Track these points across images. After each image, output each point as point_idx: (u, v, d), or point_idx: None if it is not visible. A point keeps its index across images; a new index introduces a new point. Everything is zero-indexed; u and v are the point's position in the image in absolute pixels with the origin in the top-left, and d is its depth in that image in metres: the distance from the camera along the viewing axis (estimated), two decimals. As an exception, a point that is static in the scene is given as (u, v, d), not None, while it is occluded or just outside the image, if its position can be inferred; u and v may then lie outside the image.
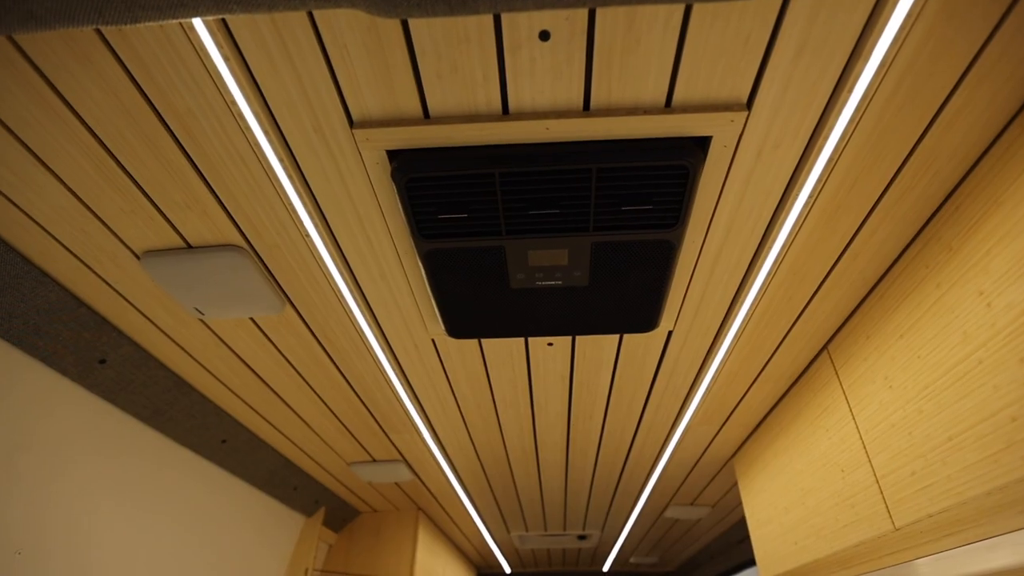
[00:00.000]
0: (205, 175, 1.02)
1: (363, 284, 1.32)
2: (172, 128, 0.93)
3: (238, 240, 1.19)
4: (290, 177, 1.01)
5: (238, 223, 1.14)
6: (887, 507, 1.34)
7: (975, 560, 1.39)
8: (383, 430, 2.13)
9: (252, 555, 2.45)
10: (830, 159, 0.99)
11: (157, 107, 0.90)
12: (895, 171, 1.04)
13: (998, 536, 1.12)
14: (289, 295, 1.37)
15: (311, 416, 2.02)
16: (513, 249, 1.10)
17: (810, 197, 1.07)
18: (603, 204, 1.00)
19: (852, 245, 1.22)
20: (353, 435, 2.18)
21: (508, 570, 5.31)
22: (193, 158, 0.99)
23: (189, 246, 1.22)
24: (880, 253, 1.24)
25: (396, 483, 2.78)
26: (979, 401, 1.04)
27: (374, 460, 2.46)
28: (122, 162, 0.99)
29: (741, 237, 1.18)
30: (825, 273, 1.30)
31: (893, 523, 1.32)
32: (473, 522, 3.52)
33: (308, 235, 1.16)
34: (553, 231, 1.06)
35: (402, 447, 2.30)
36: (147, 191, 1.06)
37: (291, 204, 1.08)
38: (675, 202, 1.00)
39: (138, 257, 1.24)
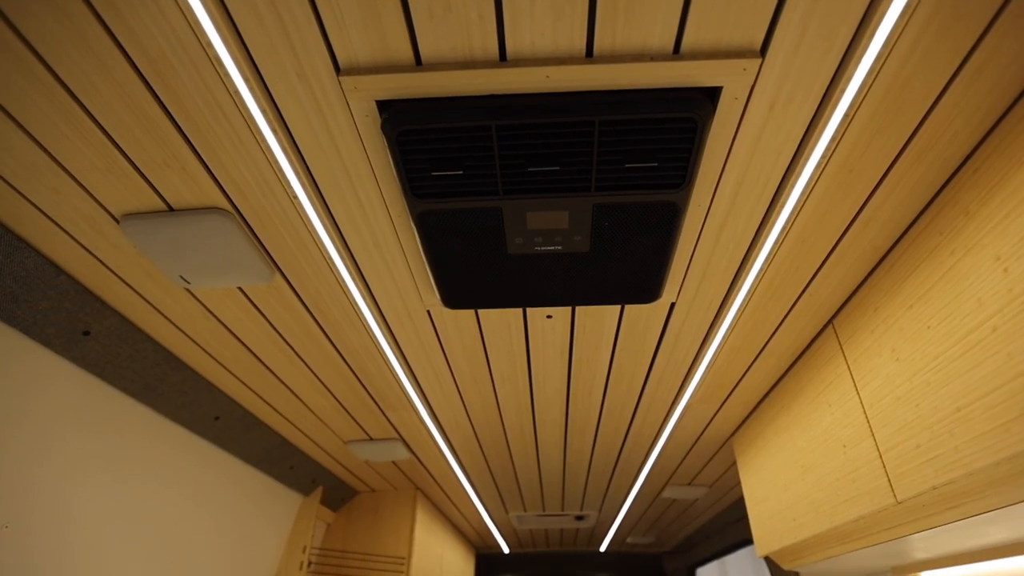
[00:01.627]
0: (183, 128, 0.97)
1: (355, 251, 1.27)
2: (145, 75, 0.87)
3: (222, 202, 1.14)
4: (274, 131, 0.96)
5: (221, 183, 1.09)
6: (889, 481, 1.31)
7: (974, 535, 1.37)
8: (379, 407, 2.09)
9: (251, 532, 2.42)
10: (846, 115, 0.94)
11: (127, 50, 0.84)
12: (913, 130, 0.99)
13: (1002, 508, 1.09)
14: (278, 263, 1.32)
15: (305, 393, 1.98)
16: (511, 210, 1.05)
17: (823, 158, 1.02)
18: (606, 161, 0.95)
19: (864, 211, 1.17)
20: (349, 413, 2.14)
21: (507, 550, 5.33)
22: (169, 109, 0.93)
23: (171, 209, 1.16)
24: (892, 220, 1.19)
25: (393, 462, 2.75)
26: (991, 370, 1.00)
27: (371, 439, 2.43)
28: (93, 113, 0.94)
29: (749, 202, 1.13)
30: (834, 242, 1.26)
31: (895, 496, 1.29)
32: (471, 502, 3.51)
33: (296, 196, 1.11)
34: (553, 191, 1.01)
35: (399, 425, 2.27)
36: (122, 146, 1.00)
37: (276, 162, 1.03)
38: (681, 160, 0.95)
39: (117, 220, 1.19)
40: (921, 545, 1.53)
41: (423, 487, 3.21)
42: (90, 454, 1.60)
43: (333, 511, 3.21)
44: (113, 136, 0.98)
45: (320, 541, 3.10)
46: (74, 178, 1.08)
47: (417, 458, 2.68)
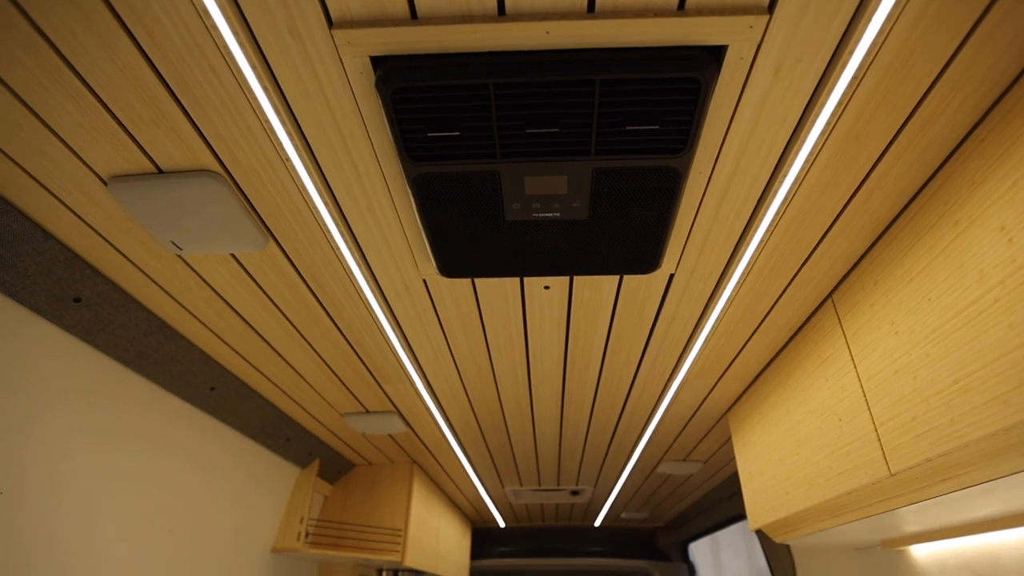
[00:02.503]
0: (171, 85, 0.94)
1: (350, 217, 1.25)
2: (129, 26, 0.84)
3: (213, 164, 1.12)
4: (265, 89, 0.93)
5: (211, 144, 1.06)
6: (884, 453, 1.31)
7: (965, 508, 1.37)
8: (375, 379, 2.08)
9: (249, 502, 2.44)
10: (853, 79, 0.91)
11: (111, 2, 0.80)
12: (922, 94, 0.96)
13: (996, 480, 1.09)
14: (271, 229, 1.30)
15: (301, 365, 1.97)
16: (509, 174, 1.03)
17: (828, 124, 1.00)
18: (606, 123, 0.92)
19: (868, 180, 1.15)
20: (345, 385, 2.14)
21: (503, 524, 5.40)
22: (156, 65, 0.90)
23: (160, 171, 1.14)
24: (896, 190, 1.17)
25: (390, 435, 2.76)
26: (991, 341, 0.99)
27: (367, 411, 2.43)
28: (77, 68, 0.91)
29: (751, 169, 1.11)
30: (837, 212, 1.24)
31: (889, 469, 1.29)
32: (468, 476, 3.53)
33: (288, 159, 1.08)
34: (552, 154, 0.98)
35: (395, 398, 2.27)
36: (108, 104, 0.97)
37: (268, 122, 1.00)
38: (684, 123, 0.93)
39: (105, 183, 1.16)
40: (912, 518, 1.54)
41: (420, 461, 3.23)
42: (83, 422, 1.59)
43: (330, 484, 3.23)
44: (98, 92, 0.95)
45: (317, 513, 3.13)
46: (59, 137, 1.05)
47: (414, 431, 2.69)
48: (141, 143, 1.06)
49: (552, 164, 1.01)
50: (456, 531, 4.41)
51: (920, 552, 1.90)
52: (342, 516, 3.15)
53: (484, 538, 5.51)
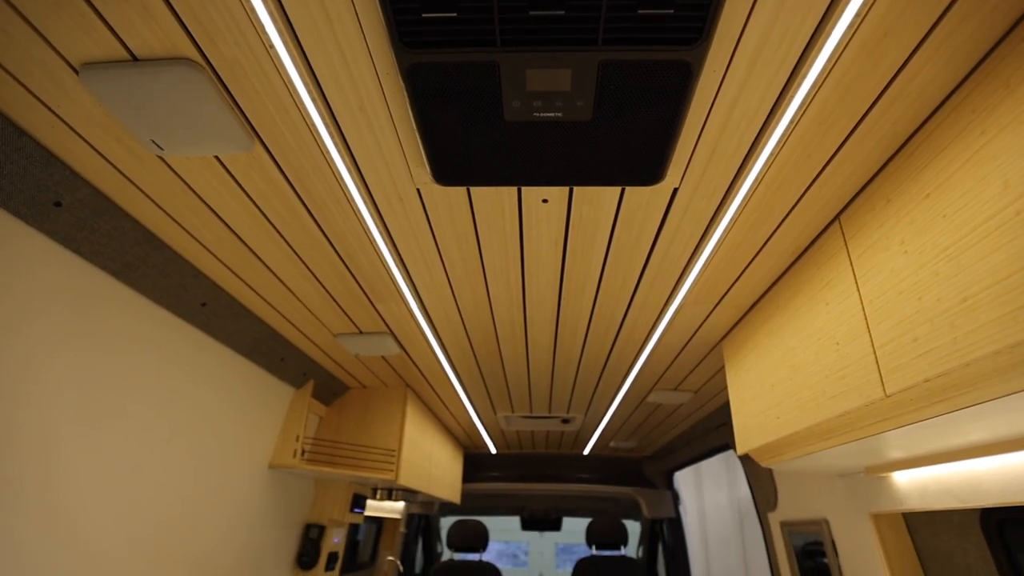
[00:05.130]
0: (139, -52, 0.85)
1: (339, 116, 1.18)
2: None
3: (191, 51, 1.03)
4: (242, -46, 0.84)
5: (187, 26, 0.98)
6: (880, 375, 1.30)
7: (954, 432, 1.39)
8: (368, 298, 2.06)
9: (246, 418, 2.46)
10: None
11: None
12: (961, -17, 0.88)
13: (990, 402, 1.09)
14: (257, 129, 1.23)
15: (293, 281, 1.93)
16: (509, 66, 0.96)
17: (857, 15, 0.92)
18: (616, 6, 0.84)
19: (892, 85, 1.07)
20: (338, 303, 2.11)
21: (494, 451, 5.56)
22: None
23: (134, 58, 1.05)
24: (922, 97, 1.10)
25: (384, 358, 2.77)
26: (1008, 256, 0.95)
27: (360, 332, 2.42)
28: None
29: (768, 69, 1.04)
30: (855, 123, 1.17)
31: (884, 391, 1.29)
32: (460, 401, 3.59)
33: (272, 45, 1.00)
34: (556, 42, 0.91)
35: (388, 318, 2.25)
36: (70, -30, 0.88)
37: (247, 1, 0.91)
38: (701, 6, 0.85)
39: (76, 71, 1.08)
40: (898, 443, 1.56)
41: (413, 385, 3.27)
42: (72, 329, 1.56)
43: (325, 405, 3.28)
44: None
45: (313, 433, 3.19)
46: (23, 16, 0.96)
47: (407, 354, 2.69)
48: (111, 24, 0.97)
49: (556, 55, 0.93)
50: (448, 456, 4.53)
51: (902, 478, 1.95)
52: (337, 437, 3.21)
53: (476, 463, 5.69)
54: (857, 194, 1.40)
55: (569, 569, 5.56)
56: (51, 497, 1.51)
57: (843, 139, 1.21)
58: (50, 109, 1.18)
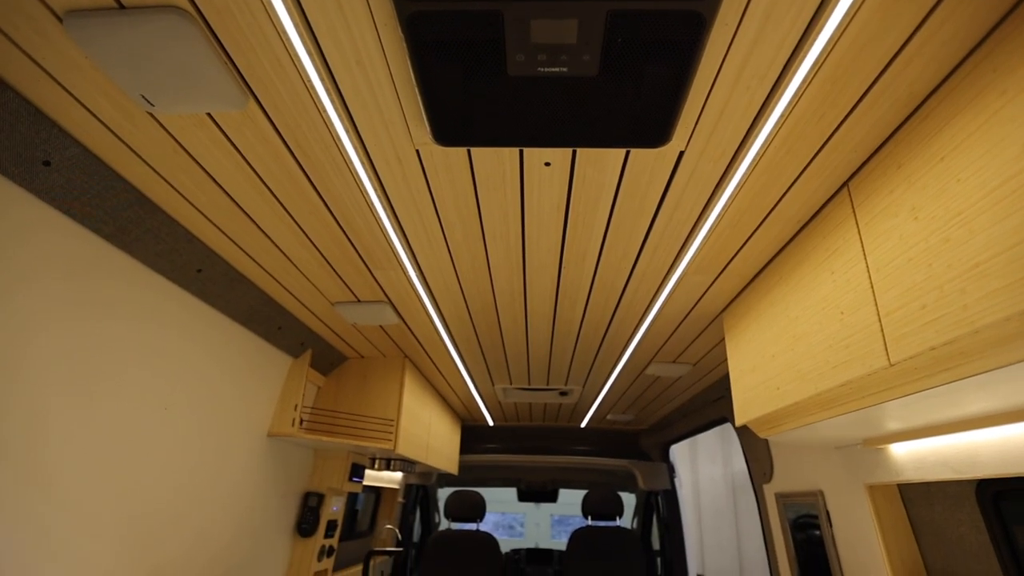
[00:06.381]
0: None
1: (336, 71, 1.13)
2: None
3: (179, -3, 0.99)
4: None
5: (175, -32, 0.93)
6: (885, 344, 1.29)
7: (955, 403, 1.38)
8: (366, 265, 2.03)
9: (243, 385, 2.45)
10: None
11: None
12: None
13: (997, 370, 1.07)
14: (250, 84, 1.18)
15: (290, 247, 1.90)
16: (513, 17, 0.91)
17: (878, -36, 0.88)
18: (628, -53, 0.80)
19: (912, 41, 1.03)
20: (335, 270, 2.09)
21: (491, 423, 5.60)
22: None
23: (121, 6, 1.01)
24: (941, 55, 1.06)
25: (382, 327, 2.75)
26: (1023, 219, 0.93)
27: (358, 300, 2.40)
28: None
29: (783, 23, 0.99)
30: (869, 83, 1.13)
31: (889, 359, 1.27)
32: (459, 372, 3.59)
33: (264, -9, 0.96)
34: (562, -12, 0.87)
35: (387, 286, 2.23)
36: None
37: (238, -63, 0.87)
38: (716, -49, 0.81)
39: (60, 19, 1.04)
40: (898, 414, 1.55)
41: (412, 356, 3.26)
42: (63, 295, 1.54)
43: (323, 375, 3.27)
44: None
45: (311, 403, 3.19)
46: None
47: (405, 324, 2.68)
48: (93, -38, 0.93)
49: (562, 4, 0.89)
50: (446, 427, 4.56)
51: (899, 450, 1.95)
52: (335, 407, 3.22)
53: (473, 435, 5.73)
54: (868, 159, 1.37)
55: (564, 540, 5.65)
56: (45, 471, 1.50)
57: (857, 100, 1.18)
58: (35, 61, 1.14)
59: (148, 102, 1.23)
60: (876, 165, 1.34)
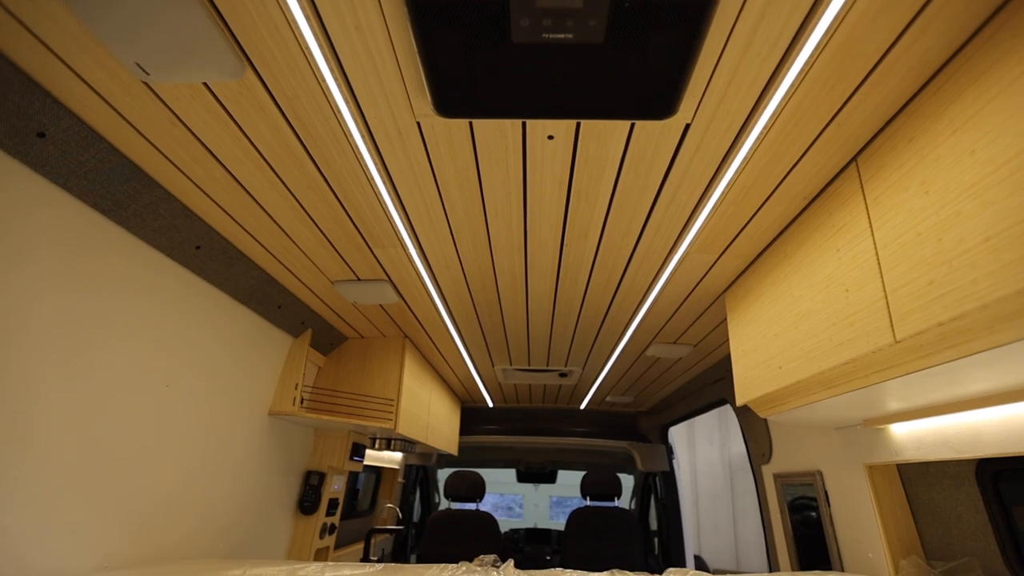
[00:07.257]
0: None
1: (335, 37, 1.10)
2: None
3: (173, -43, 0.96)
4: None
5: (169, -75, 0.90)
6: (891, 321, 1.27)
7: (958, 381, 1.37)
8: (366, 242, 2.01)
9: (243, 364, 2.44)
10: None
11: None
12: None
13: (1003, 347, 1.06)
14: (247, 52, 1.15)
15: (289, 224, 1.88)
16: (518, -23, 0.89)
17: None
18: (638, -98, 0.77)
19: (926, 10, 1.01)
20: (335, 248, 2.07)
21: (491, 404, 5.62)
22: None
23: (113, -35, 0.98)
24: (957, 24, 1.03)
25: (382, 306, 2.74)
26: (1039, 192, 0.91)
27: (358, 279, 2.38)
28: None
29: (796, -12, 0.97)
30: (882, 52, 1.10)
31: (894, 336, 1.26)
32: (459, 352, 3.58)
33: (260, -49, 0.93)
34: (570, -53, 0.84)
35: (387, 264, 2.21)
36: None
37: None
38: (730, -93, 0.78)
39: None
40: (899, 393, 1.54)
41: (412, 336, 3.25)
42: (62, 271, 1.52)
43: (323, 355, 3.27)
44: None
45: (312, 382, 3.19)
46: None
47: (406, 303, 2.66)
48: (83, -81, 0.89)
49: (569, -36, 0.86)
50: (446, 408, 4.57)
51: (900, 430, 1.95)
52: (335, 387, 3.22)
53: (473, 416, 5.75)
54: (878, 133, 1.34)
55: (563, 521, 5.70)
56: (44, 448, 1.49)
57: (870, 69, 1.15)
58: (26, 27, 1.11)
59: (143, 70, 1.20)
60: (887, 139, 1.31)
